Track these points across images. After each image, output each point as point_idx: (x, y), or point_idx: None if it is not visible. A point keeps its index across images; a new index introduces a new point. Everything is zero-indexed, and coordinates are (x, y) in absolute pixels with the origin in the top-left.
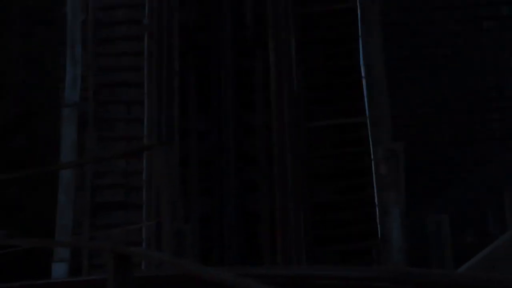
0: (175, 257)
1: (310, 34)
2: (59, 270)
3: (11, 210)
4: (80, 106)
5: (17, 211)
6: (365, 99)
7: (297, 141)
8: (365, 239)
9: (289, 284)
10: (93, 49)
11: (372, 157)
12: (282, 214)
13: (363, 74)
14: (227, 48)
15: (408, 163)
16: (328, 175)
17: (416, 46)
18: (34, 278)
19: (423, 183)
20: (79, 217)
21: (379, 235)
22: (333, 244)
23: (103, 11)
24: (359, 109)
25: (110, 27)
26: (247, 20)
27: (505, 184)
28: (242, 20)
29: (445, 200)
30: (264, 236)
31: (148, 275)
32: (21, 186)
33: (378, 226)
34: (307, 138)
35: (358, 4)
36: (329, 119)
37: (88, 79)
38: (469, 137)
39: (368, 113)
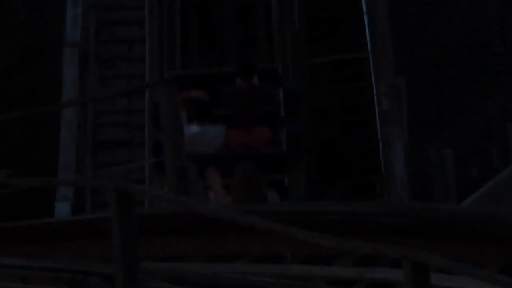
0: (177, 195)
1: None
2: (62, 209)
3: (14, 150)
4: (81, 46)
5: (19, 152)
6: (367, 34)
7: (299, 77)
8: (369, 174)
9: (293, 220)
10: None
11: (374, 92)
12: None
13: (364, 9)
14: None
15: (412, 98)
16: (330, 111)
17: None
18: (37, 218)
19: (427, 118)
20: (82, 155)
21: (383, 170)
22: (336, 180)
23: None
24: (361, 45)
25: None
26: None
27: (509, 118)
28: None
29: (449, 134)
30: None
31: (151, 213)
32: (23, 127)
33: (382, 161)
34: (309, 75)
35: None
36: (331, 55)
37: (89, 18)
38: (472, 71)
39: (370, 49)
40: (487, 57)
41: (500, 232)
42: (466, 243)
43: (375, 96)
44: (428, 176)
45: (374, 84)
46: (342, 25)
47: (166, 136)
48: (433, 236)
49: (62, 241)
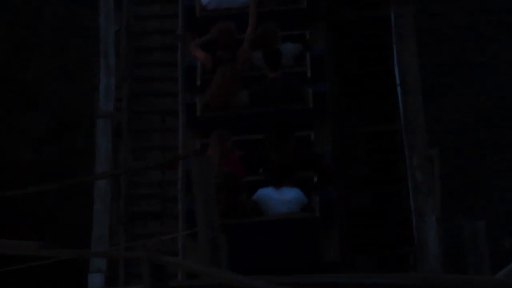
0: (210, 267)
1: (344, 42)
2: (95, 281)
3: (45, 221)
4: (114, 117)
5: (51, 223)
6: (400, 106)
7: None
8: (402, 245)
9: None
10: (126, 59)
11: (407, 164)
12: None
13: (398, 81)
14: None
15: (444, 168)
16: (363, 181)
17: (450, 52)
18: None
19: (459, 189)
20: (115, 227)
21: (416, 242)
22: (369, 251)
23: (137, 21)
24: (393, 116)
25: (144, 37)
26: None
27: None
28: None
29: (482, 206)
30: None
31: (184, 285)
32: (55, 197)
33: (415, 232)
34: (342, 145)
35: (391, 12)
36: (363, 126)
37: (122, 89)
38: (504, 142)
39: (403, 120)
40: None
41: None
42: None
43: (408, 168)
44: (461, 248)
45: (407, 155)
46: (374, 96)
47: (199, 207)
48: None
49: None
